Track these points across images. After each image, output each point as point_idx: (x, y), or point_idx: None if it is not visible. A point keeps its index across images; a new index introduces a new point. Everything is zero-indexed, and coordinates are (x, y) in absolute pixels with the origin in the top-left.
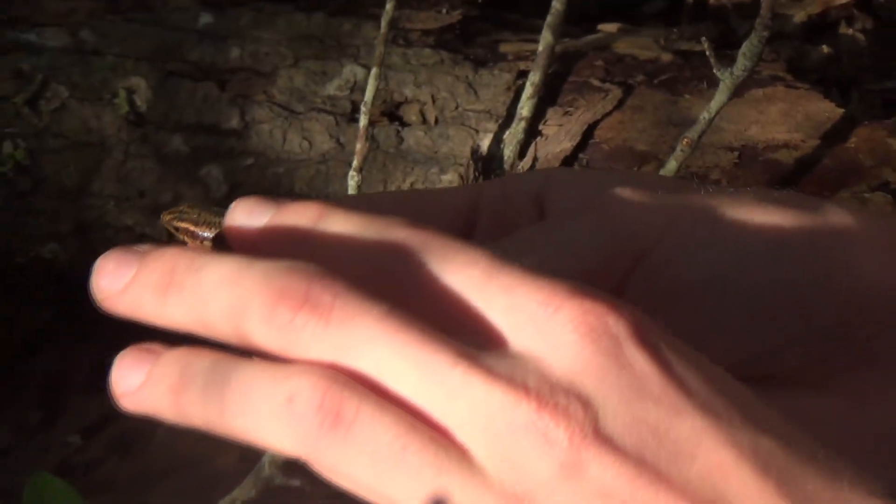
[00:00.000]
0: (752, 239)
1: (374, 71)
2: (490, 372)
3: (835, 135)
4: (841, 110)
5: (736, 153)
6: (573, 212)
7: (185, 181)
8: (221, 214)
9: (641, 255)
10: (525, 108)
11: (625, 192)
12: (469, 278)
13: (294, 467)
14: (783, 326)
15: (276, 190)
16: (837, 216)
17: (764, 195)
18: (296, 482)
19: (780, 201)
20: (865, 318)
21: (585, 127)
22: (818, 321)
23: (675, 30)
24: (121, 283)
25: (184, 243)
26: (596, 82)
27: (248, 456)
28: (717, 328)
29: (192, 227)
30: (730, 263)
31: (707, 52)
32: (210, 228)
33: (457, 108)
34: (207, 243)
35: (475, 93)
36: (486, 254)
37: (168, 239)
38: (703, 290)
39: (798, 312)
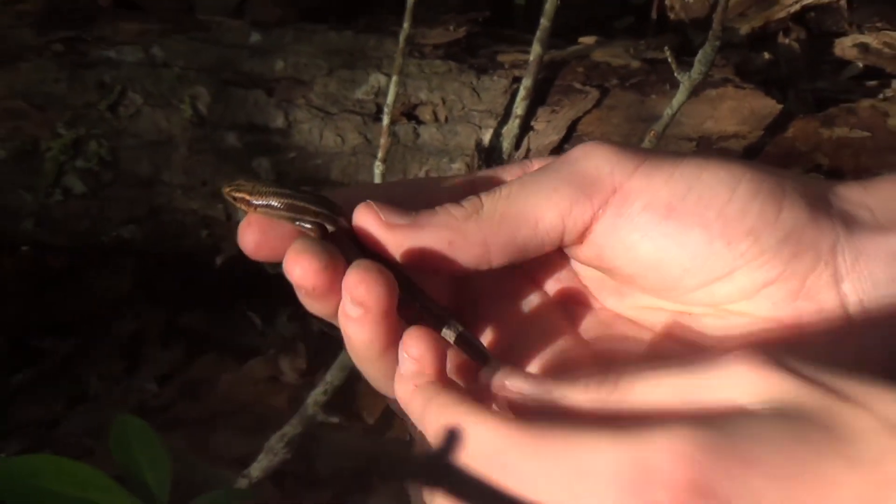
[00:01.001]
0: (709, 179)
1: (394, 78)
2: None
3: (775, 126)
4: (780, 106)
5: (694, 143)
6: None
7: (240, 172)
8: (271, 188)
9: (605, 201)
10: (519, 108)
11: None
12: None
13: (334, 407)
14: (736, 252)
15: (316, 178)
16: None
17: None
18: (335, 419)
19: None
20: (805, 239)
21: (570, 123)
22: (767, 242)
23: (642, 41)
24: None
25: (239, 208)
26: (578, 85)
27: (295, 398)
28: (681, 258)
29: (247, 197)
30: (690, 203)
31: (669, 60)
32: (262, 197)
33: (463, 108)
34: (305, 227)
35: (478, 95)
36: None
37: (225, 207)
38: (669, 223)
39: (749, 239)
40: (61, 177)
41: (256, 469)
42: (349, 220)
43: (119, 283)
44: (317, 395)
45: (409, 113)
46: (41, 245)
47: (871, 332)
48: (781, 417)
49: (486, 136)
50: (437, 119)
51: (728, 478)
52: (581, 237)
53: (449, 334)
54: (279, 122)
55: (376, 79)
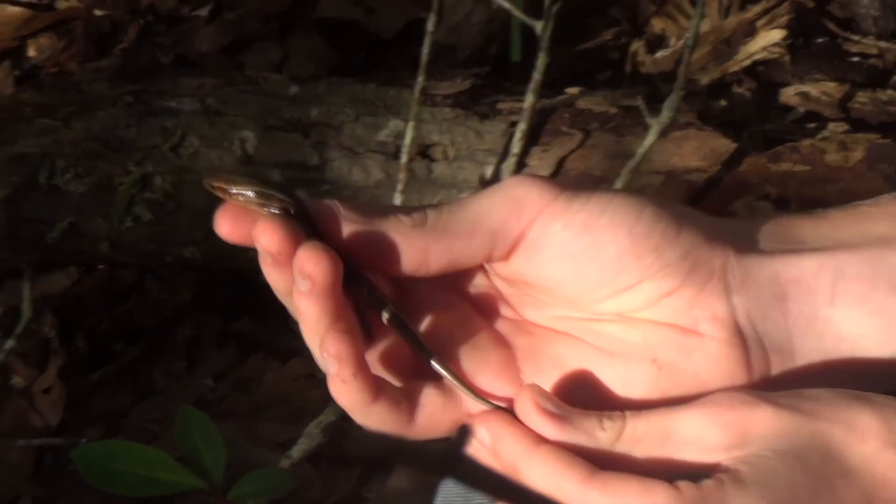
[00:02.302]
0: (619, 205)
1: (410, 123)
2: None
3: (731, 162)
4: (735, 145)
5: (663, 176)
6: None
7: None
8: (244, 179)
9: (531, 221)
10: (516, 147)
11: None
12: None
13: None
14: (643, 265)
15: None
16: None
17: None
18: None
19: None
20: (701, 256)
21: (558, 160)
22: (668, 258)
23: (618, 91)
24: None
25: (220, 199)
26: (565, 128)
27: (328, 392)
28: (595, 271)
29: (223, 186)
30: (604, 223)
31: (641, 107)
32: (236, 186)
33: (468, 148)
34: (272, 211)
35: (481, 137)
36: None
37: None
38: (586, 239)
39: (654, 254)
40: (132, 207)
41: (296, 452)
42: (312, 213)
43: (180, 295)
44: None
45: (423, 152)
46: (115, 264)
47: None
48: (786, 457)
49: (488, 171)
50: (447, 157)
51: None
52: (507, 254)
53: (386, 317)
54: (314, 160)
55: (395, 124)
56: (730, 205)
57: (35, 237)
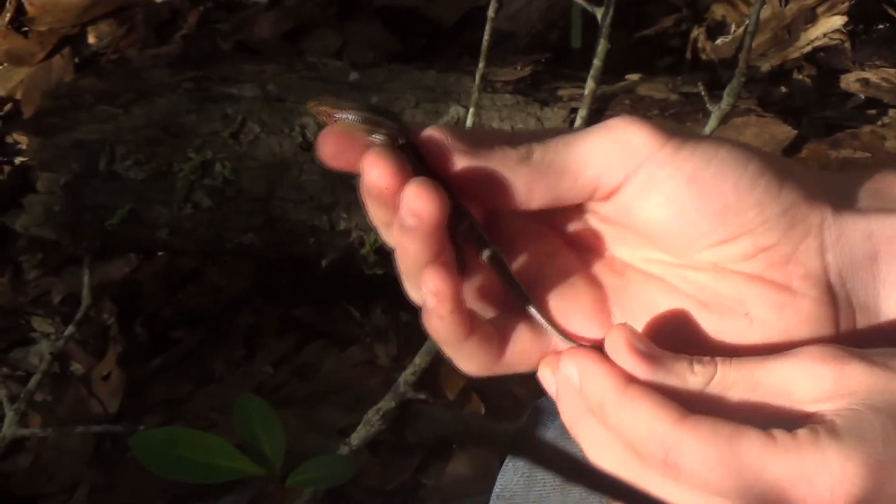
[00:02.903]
0: (725, 156)
1: (471, 110)
2: None
3: (791, 149)
4: (795, 132)
5: None
6: None
7: (341, 188)
8: (351, 104)
9: (637, 167)
10: None
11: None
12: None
13: (421, 385)
14: (744, 219)
15: None
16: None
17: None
18: (422, 395)
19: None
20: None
21: None
22: (769, 213)
23: (679, 78)
24: None
25: (321, 120)
26: (625, 115)
27: (388, 379)
28: (698, 222)
29: (328, 110)
30: (710, 175)
31: (702, 93)
32: (342, 111)
33: None
34: (378, 139)
35: (542, 123)
36: None
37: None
38: (692, 190)
39: (756, 209)
40: (191, 193)
41: (356, 439)
42: (416, 140)
43: (240, 282)
44: (406, 376)
45: None
46: (174, 251)
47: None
48: (879, 411)
49: None
50: None
51: (876, 485)
52: (609, 195)
53: (486, 255)
54: None
55: (456, 110)
56: None
57: (95, 224)
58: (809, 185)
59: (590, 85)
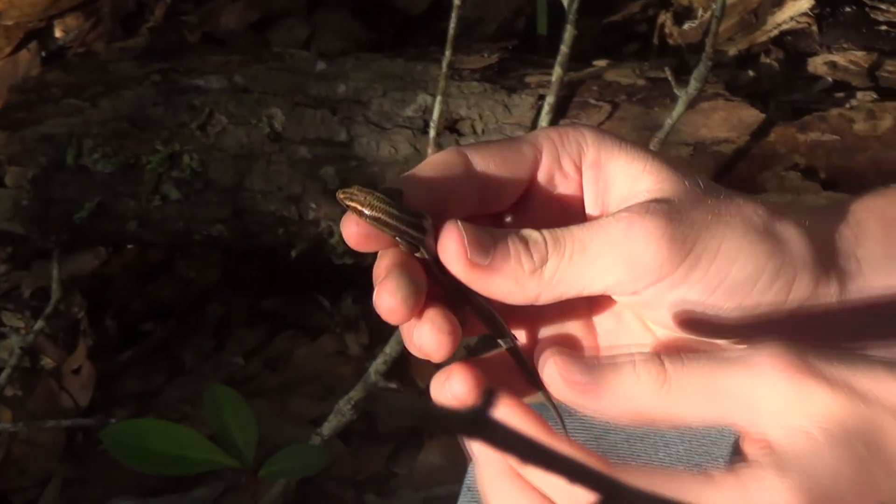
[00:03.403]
0: (743, 264)
1: (438, 98)
2: None
3: (759, 132)
4: (763, 115)
5: (691, 147)
6: None
7: (309, 178)
8: (385, 201)
9: (650, 285)
10: (544, 121)
11: None
12: None
13: (391, 374)
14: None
15: (374, 182)
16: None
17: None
18: (393, 384)
19: None
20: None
21: None
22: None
23: (646, 63)
24: None
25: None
26: (592, 101)
27: (359, 368)
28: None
29: (359, 208)
30: (723, 291)
31: (669, 78)
32: (372, 210)
33: (496, 122)
34: (402, 245)
35: (509, 111)
36: None
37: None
38: (707, 307)
39: (765, 306)
40: (159, 185)
41: (327, 428)
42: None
43: (210, 274)
44: (377, 365)
45: (451, 127)
46: (143, 243)
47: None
48: (835, 442)
49: None
50: (475, 131)
51: None
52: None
53: (504, 343)
54: (342, 136)
55: (423, 98)
56: (758, 175)
57: (63, 217)
58: (819, 268)
59: (557, 71)
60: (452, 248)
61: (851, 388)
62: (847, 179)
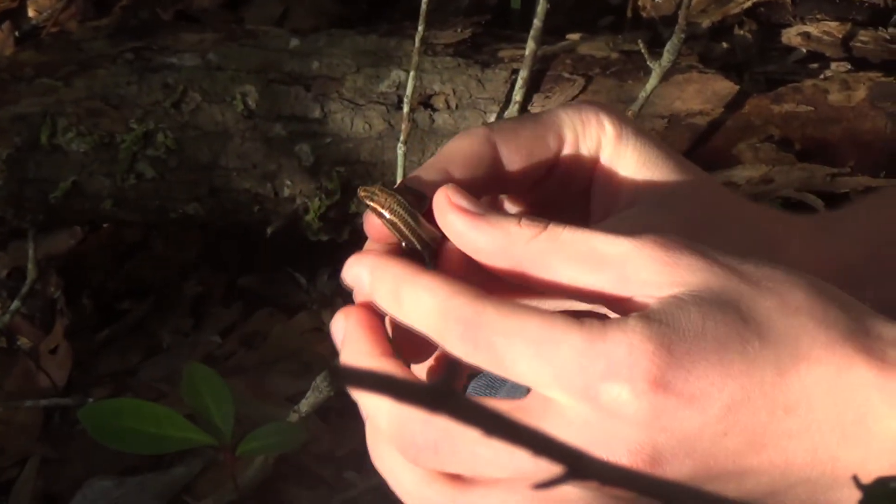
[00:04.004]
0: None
1: (412, 73)
2: None
3: (734, 104)
4: (737, 87)
5: (665, 120)
6: None
7: (284, 156)
8: (405, 208)
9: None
10: (518, 95)
11: None
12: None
13: None
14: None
15: (348, 159)
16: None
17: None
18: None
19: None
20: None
21: None
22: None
23: (620, 36)
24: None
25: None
26: (566, 75)
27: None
28: None
29: (378, 209)
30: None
31: (643, 51)
32: (390, 212)
33: (470, 97)
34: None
35: (483, 86)
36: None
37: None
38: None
39: None
40: (134, 164)
41: (305, 405)
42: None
43: (186, 252)
44: None
45: (425, 102)
46: (119, 222)
47: None
48: (704, 304)
49: (491, 120)
50: (448, 107)
51: (680, 371)
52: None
53: None
54: (316, 113)
55: (397, 74)
56: (733, 147)
57: (38, 197)
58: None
59: (530, 45)
60: (448, 196)
61: (732, 267)
62: (822, 150)
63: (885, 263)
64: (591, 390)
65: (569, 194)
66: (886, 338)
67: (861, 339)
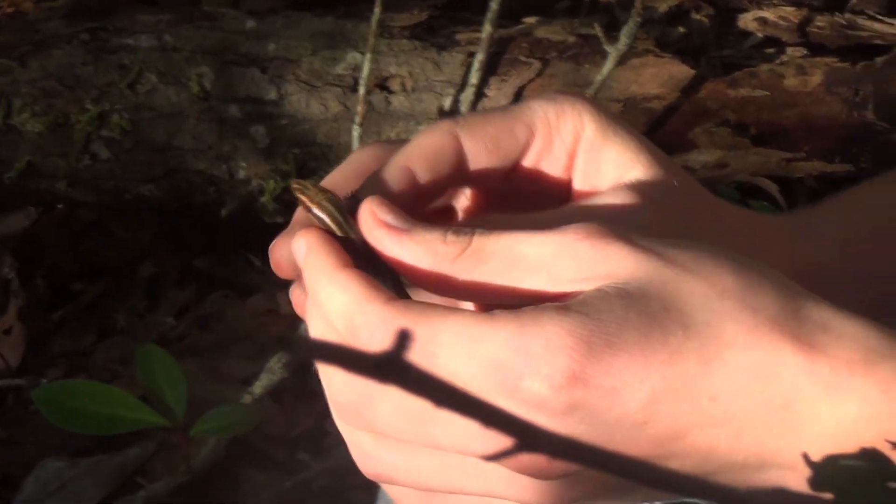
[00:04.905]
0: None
1: (368, 56)
2: None
3: (690, 89)
4: (693, 71)
5: (622, 103)
6: None
7: (240, 137)
8: (326, 203)
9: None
10: (474, 78)
11: None
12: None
13: None
14: None
15: (304, 141)
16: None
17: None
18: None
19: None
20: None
21: (516, 89)
22: None
23: (576, 20)
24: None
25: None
26: (523, 58)
27: (290, 326)
28: None
29: (307, 203)
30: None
31: (599, 35)
32: (320, 208)
33: (427, 79)
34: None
35: (439, 68)
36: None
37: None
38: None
39: None
40: (89, 145)
41: (259, 387)
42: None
43: (141, 233)
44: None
45: (381, 84)
46: (74, 203)
47: None
48: (627, 296)
49: (447, 103)
50: (405, 89)
51: (599, 365)
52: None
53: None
54: (272, 94)
55: (353, 56)
56: (689, 131)
57: None
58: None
59: (487, 28)
60: (373, 211)
61: (658, 253)
62: (777, 135)
63: (859, 264)
64: (511, 386)
65: (544, 184)
66: (817, 320)
67: (790, 322)
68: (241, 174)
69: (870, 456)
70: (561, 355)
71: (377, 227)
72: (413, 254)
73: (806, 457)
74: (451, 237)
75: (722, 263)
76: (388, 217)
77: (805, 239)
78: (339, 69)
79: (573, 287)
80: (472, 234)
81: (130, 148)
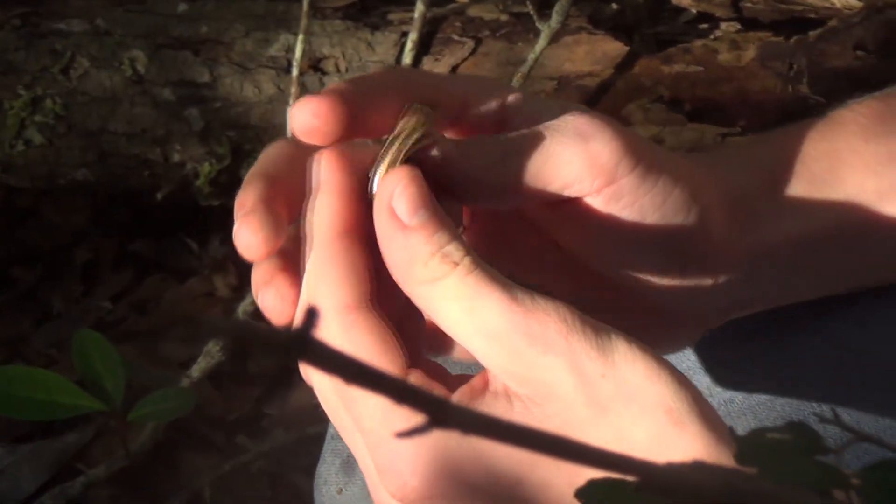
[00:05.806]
0: (678, 197)
1: (301, 37)
2: None
3: (624, 65)
4: (627, 48)
5: (555, 81)
6: None
7: (174, 120)
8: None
9: (600, 189)
10: (408, 58)
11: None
12: None
13: (260, 315)
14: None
15: (238, 123)
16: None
17: None
18: (262, 325)
19: None
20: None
21: (450, 69)
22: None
23: None
24: None
25: None
26: (456, 37)
27: (228, 310)
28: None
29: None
30: (656, 220)
31: (531, 12)
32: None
33: (360, 60)
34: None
35: (373, 49)
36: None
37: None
38: (639, 234)
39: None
40: (23, 130)
41: (196, 370)
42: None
43: (76, 217)
44: (245, 306)
45: (315, 66)
46: (8, 188)
47: None
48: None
49: None
50: (338, 70)
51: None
52: (561, 204)
53: None
54: (205, 77)
55: (286, 38)
56: (623, 108)
57: None
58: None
59: (419, 8)
60: (392, 195)
61: (588, 382)
62: (712, 110)
63: (780, 197)
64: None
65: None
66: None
67: None
68: (176, 157)
69: (796, 429)
70: (397, 487)
71: (386, 211)
72: (392, 254)
73: (732, 430)
74: (439, 255)
75: (643, 413)
76: (401, 205)
77: (730, 165)
78: (272, 51)
79: (504, 378)
80: (458, 263)
81: (64, 133)
